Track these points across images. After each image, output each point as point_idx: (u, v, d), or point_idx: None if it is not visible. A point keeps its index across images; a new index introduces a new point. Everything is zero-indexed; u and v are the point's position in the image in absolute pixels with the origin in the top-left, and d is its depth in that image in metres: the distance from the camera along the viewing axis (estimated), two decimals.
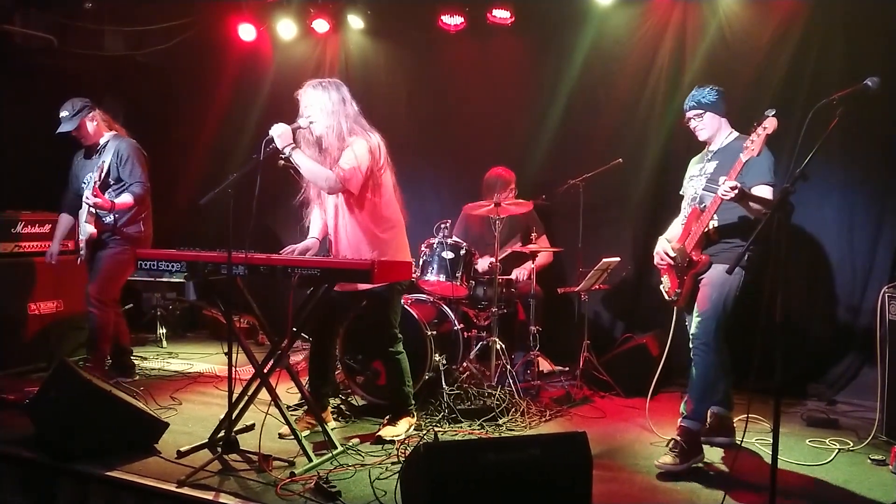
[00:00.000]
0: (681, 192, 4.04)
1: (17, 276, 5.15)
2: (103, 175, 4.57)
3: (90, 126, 4.73)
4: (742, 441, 3.40)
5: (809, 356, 4.99)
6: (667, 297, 3.87)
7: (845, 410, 4.61)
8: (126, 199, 4.63)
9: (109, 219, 4.67)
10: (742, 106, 5.07)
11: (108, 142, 4.76)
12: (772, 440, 2.63)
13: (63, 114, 4.68)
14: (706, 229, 3.59)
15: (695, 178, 3.86)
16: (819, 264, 4.99)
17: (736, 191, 3.32)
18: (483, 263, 5.09)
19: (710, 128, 3.77)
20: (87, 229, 4.59)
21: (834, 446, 3.89)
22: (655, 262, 3.87)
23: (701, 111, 3.74)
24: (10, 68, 6.01)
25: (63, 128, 4.67)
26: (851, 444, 3.91)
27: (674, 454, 3.53)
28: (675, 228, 4.00)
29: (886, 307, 3.97)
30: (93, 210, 4.57)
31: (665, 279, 3.87)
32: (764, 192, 3.50)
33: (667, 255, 3.76)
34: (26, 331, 5.15)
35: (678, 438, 3.56)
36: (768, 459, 2.67)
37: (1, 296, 5.03)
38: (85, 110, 4.70)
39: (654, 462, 3.53)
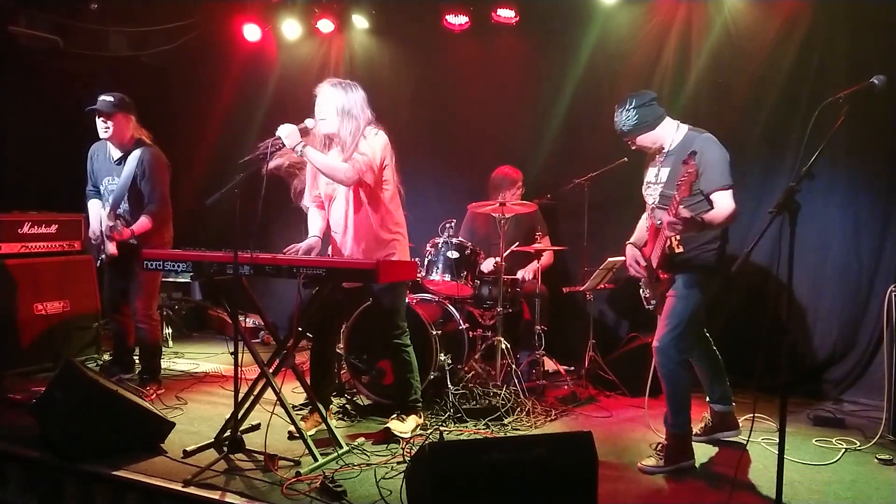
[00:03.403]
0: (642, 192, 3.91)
1: (24, 277, 5.16)
2: (121, 235, 4.41)
3: (124, 124, 4.52)
4: (748, 440, 3.39)
5: (815, 355, 4.98)
6: (646, 306, 3.82)
7: (852, 410, 4.59)
8: (144, 223, 4.45)
9: (134, 241, 4.48)
10: (746, 104, 5.10)
11: (133, 149, 4.54)
12: (778, 439, 2.62)
13: (106, 98, 4.46)
14: (666, 247, 3.45)
15: (651, 186, 3.66)
16: (825, 263, 4.97)
17: (680, 228, 3.21)
18: (487, 264, 5.09)
19: (650, 142, 3.56)
20: (110, 248, 4.47)
21: (840, 446, 3.88)
22: (630, 273, 3.78)
23: (630, 138, 3.56)
24: (16, 69, 6.03)
25: (99, 106, 4.45)
26: (858, 444, 3.90)
27: (658, 457, 3.54)
28: (641, 230, 3.90)
29: (893, 306, 3.95)
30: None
31: (643, 286, 3.81)
32: (721, 198, 3.35)
33: (638, 263, 3.67)
34: (32, 331, 5.17)
35: (664, 442, 3.57)
36: (774, 459, 2.66)
37: (7, 296, 5.05)
38: (127, 108, 4.53)
39: (636, 464, 3.55)
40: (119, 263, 4.60)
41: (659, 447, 3.60)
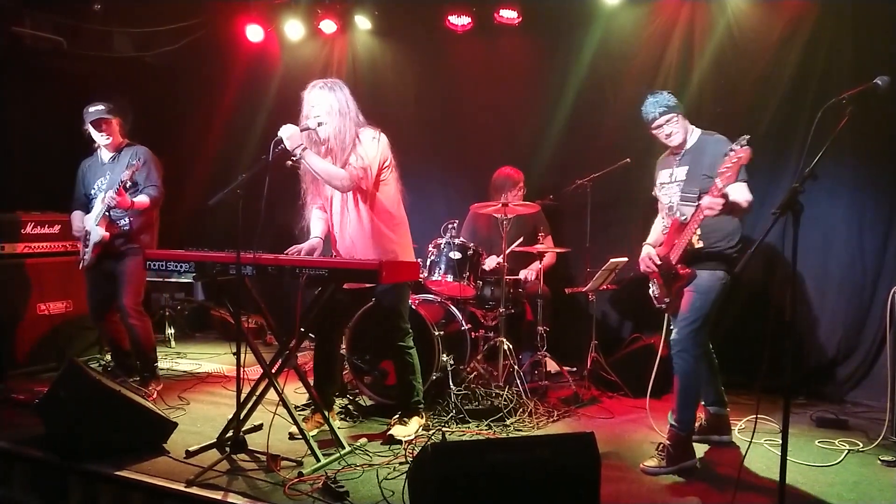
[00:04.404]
0: (654, 194, 4.01)
1: (27, 277, 5.17)
2: (126, 179, 4.46)
3: (118, 127, 4.66)
4: (751, 442, 3.39)
5: (819, 356, 4.97)
6: (656, 304, 3.84)
7: (855, 411, 4.58)
8: (143, 199, 4.54)
9: (125, 224, 4.57)
10: (750, 105, 5.09)
11: (123, 149, 4.67)
12: (781, 440, 2.62)
13: (97, 107, 4.55)
14: (689, 243, 3.51)
15: (667, 186, 3.78)
16: (828, 264, 4.96)
17: (720, 207, 3.27)
18: (490, 262, 5.09)
19: (683, 129, 3.67)
20: (99, 232, 4.49)
21: (843, 447, 3.87)
22: (642, 269, 3.84)
23: (673, 115, 3.63)
24: (20, 70, 6.04)
25: (97, 114, 4.52)
26: (861, 445, 3.89)
27: (660, 457, 3.55)
28: (657, 232, 3.97)
29: None
30: (107, 214, 4.49)
31: (653, 284, 3.84)
32: (740, 190, 3.42)
33: (653, 261, 3.73)
34: (35, 331, 5.18)
35: (666, 443, 3.58)
36: (777, 460, 2.66)
37: (10, 296, 5.06)
38: (118, 111, 4.65)
39: (638, 465, 3.56)
40: (102, 264, 4.60)
41: (661, 447, 3.60)
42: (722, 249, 3.57)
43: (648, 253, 3.78)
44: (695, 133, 3.72)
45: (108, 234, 4.51)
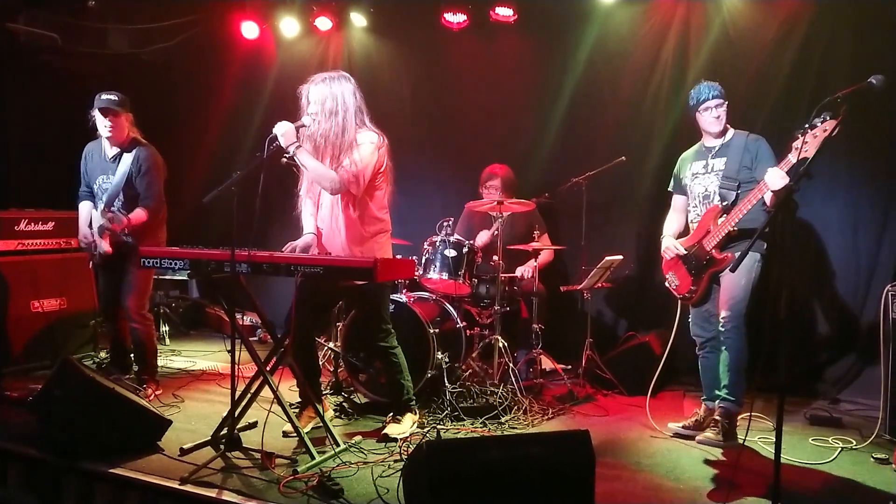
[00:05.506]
0: (669, 189, 4.20)
1: (21, 274, 5.15)
2: (121, 191, 4.40)
3: (125, 123, 4.52)
4: (745, 439, 3.39)
5: (813, 354, 4.99)
6: (677, 295, 3.91)
7: (848, 409, 4.59)
8: (139, 214, 4.40)
9: (125, 235, 4.45)
10: (746, 105, 5.09)
11: (129, 148, 4.52)
12: (775, 438, 2.62)
13: (110, 96, 4.43)
14: (733, 228, 3.67)
15: (701, 176, 3.91)
16: (823, 262, 4.98)
17: (785, 182, 3.37)
18: (481, 237, 5.11)
19: (725, 118, 3.87)
20: (103, 247, 4.41)
21: (837, 445, 3.88)
22: (667, 257, 4.01)
23: (724, 101, 3.84)
24: (15, 67, 6.03)
25: (106, 105, 4.40)
26: (854, 443, 3.91)
27: (715, 431, 3.75)
28: (673, 225, 4.10)
29: (890, 305, 3.96)
30: (108, 230, 4.40)
31: (671, 276, 3.91)
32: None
33: (677, 249, 3.93)
34: (29, 329, 5.16)
35: (718, 418, 3.79)
36: (771, 458, 2.66)
37: (4, 294, 5.04)
38: (127, 106, 4.53)
39: (696, 438, 3.80)
40: (112, 264, 4.55)
41: (713, 423, 3.82)
42: (761, 235, 3.71)
43: (673, 243, 3.98)
44: (731, 130, 3.93)
45: (110, 249, 4.43)
